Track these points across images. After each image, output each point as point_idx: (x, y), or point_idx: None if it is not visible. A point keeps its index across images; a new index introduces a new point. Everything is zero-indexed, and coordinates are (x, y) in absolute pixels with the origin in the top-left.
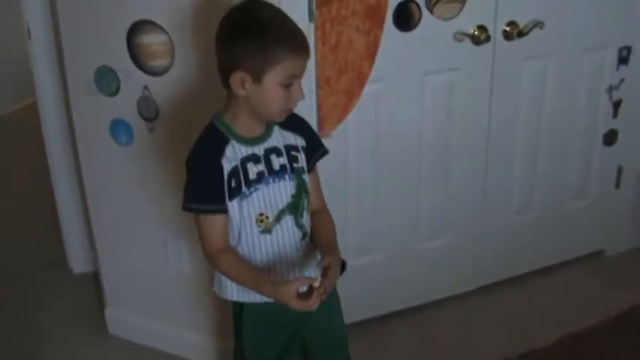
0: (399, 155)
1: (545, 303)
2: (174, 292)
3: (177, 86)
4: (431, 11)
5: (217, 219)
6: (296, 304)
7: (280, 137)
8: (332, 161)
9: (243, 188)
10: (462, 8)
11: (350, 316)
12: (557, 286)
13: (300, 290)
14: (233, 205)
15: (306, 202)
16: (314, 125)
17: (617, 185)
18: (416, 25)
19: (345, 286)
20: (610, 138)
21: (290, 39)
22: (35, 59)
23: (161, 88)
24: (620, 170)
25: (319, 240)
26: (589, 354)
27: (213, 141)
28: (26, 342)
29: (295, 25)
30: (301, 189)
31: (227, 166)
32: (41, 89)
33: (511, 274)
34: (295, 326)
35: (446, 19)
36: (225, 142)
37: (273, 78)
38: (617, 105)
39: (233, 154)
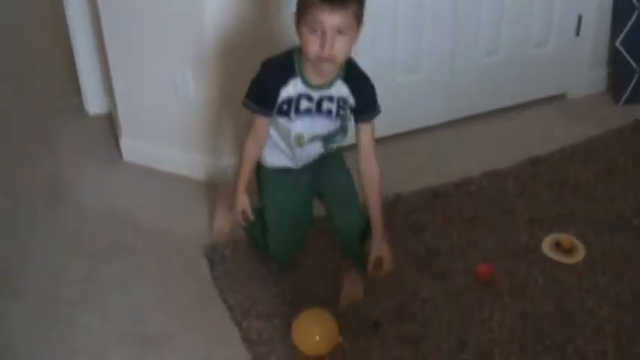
0: None
1: (510, 135)
2: (181, 118)
3: None
4: None
5: (260, 120)
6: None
7: (338, 90)
8: None
9: (292, 114)
10: None
11: None
12: (522, 121)
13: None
14: (280, 120)
15: (339, 137)
16: None
17: (578, 33)
18: None
19: None
20: None
21: None
22: None
23: None
24: (580, 19)
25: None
26: (545, 174)
27: (284, 68)
28: (49, 170)
29: None
30: (341, 129)
31: (283, 95)
32: None
33: (480, 111)
34: (311, 183)
35: None
36: (293, 76)
37: (304, 22)
38: None
39: (293, 89)
